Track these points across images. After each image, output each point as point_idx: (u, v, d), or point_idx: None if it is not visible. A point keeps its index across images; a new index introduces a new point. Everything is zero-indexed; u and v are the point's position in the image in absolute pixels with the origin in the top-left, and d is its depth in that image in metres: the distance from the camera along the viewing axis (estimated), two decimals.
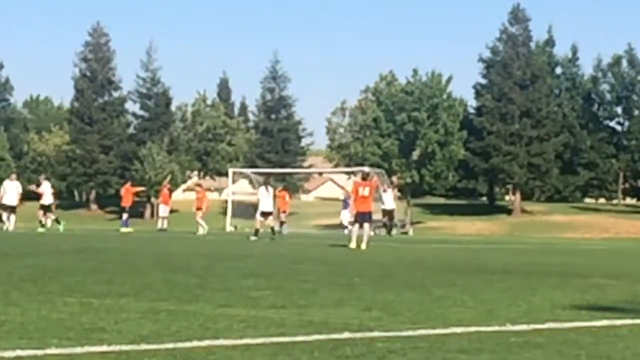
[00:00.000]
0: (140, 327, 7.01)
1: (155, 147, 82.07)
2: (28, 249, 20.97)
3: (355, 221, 25.96)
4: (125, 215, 44.21)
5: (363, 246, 24.66)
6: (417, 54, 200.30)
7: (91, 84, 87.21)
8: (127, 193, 45.07)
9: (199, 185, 47.06)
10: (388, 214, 45.14)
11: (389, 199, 45.51)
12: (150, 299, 9.20)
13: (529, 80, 76.59)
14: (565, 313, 8.83)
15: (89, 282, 11.27)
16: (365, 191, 26.00)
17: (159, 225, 46.75)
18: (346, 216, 49.49)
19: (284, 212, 44.73)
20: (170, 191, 50.15)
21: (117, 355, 5.69)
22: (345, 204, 49.87)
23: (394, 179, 53.19)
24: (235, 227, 51.08)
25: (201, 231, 40.88)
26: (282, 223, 44.00)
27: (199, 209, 42.19)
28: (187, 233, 40.59)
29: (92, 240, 28.63)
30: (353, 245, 25.03)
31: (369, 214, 26.18)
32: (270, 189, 36.19)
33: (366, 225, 25.71)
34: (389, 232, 44.40)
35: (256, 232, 34.01)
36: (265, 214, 34.79)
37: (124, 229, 42.05)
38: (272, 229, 34.89)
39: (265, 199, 35.03)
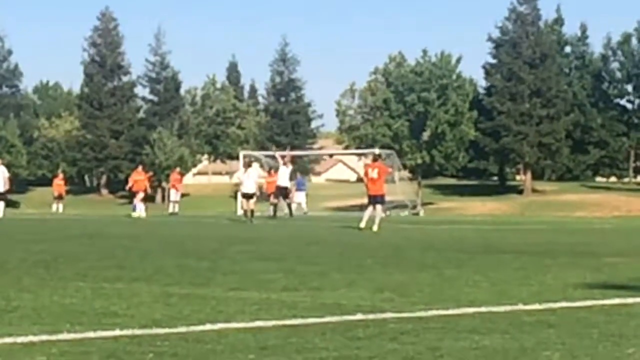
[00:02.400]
0: (153, 311, 7.03)
1: (165, 132, 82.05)
2: (40, 235, 21.04)
3: (369, 203, 26.00)
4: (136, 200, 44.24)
5: (374, 228, 24.67)
6: (426, 34, 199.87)
7: (100, 68, 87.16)
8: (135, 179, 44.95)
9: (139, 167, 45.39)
10: (281, 191, 39.38)
11: (284, 175, 39.41)
12: (162, 283, 9.22)
13: (538, 59, 76.31)
14: (577, 292, 8.82)
15: (101, 267, 11.30)
16: (374, 173, 25.98)
17: (170, 210, 46.87)
18: (302, 198, 48.36)
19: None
20: (181, 175, 50.15)
21: (130, 339, 5.70)
22: (299, 184, 48.54)
23: (286, 153, 44.82)
24: None
25: (136, 214, 40.60)
26: (274, 205, 43.23)
27: (142, 191, 41.85)
28: (198, 217, 40.61)
29: (103, 225, 28.70)
30: (363, 224, 25.08)
31: (381, 196, 26.13)
32: (252, 171, 35.40)
33: (378, 206, 25.73)
34: (289, 213, 39.56)
35: (245, 214, 33.83)
36: (246, 196, 34.21)
37: (135, 214, 42.14)
38: (252, 212, 33.29)
39: (245, 180, 34.50)
